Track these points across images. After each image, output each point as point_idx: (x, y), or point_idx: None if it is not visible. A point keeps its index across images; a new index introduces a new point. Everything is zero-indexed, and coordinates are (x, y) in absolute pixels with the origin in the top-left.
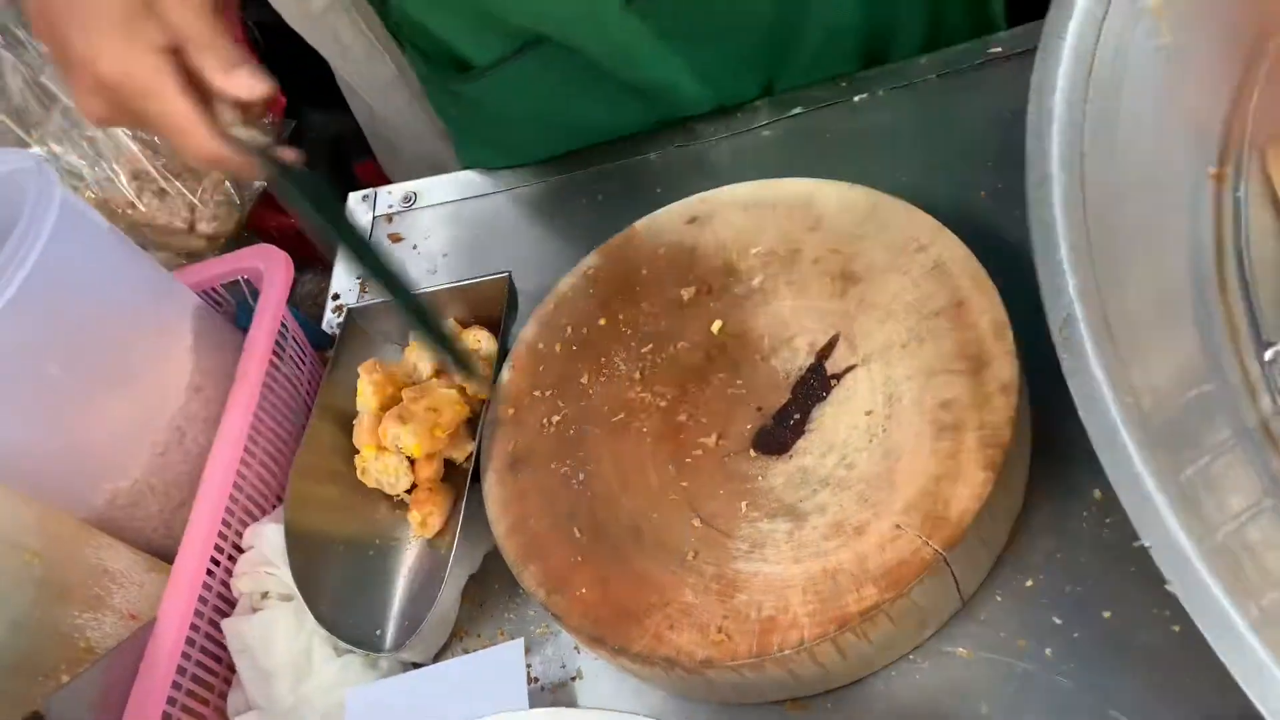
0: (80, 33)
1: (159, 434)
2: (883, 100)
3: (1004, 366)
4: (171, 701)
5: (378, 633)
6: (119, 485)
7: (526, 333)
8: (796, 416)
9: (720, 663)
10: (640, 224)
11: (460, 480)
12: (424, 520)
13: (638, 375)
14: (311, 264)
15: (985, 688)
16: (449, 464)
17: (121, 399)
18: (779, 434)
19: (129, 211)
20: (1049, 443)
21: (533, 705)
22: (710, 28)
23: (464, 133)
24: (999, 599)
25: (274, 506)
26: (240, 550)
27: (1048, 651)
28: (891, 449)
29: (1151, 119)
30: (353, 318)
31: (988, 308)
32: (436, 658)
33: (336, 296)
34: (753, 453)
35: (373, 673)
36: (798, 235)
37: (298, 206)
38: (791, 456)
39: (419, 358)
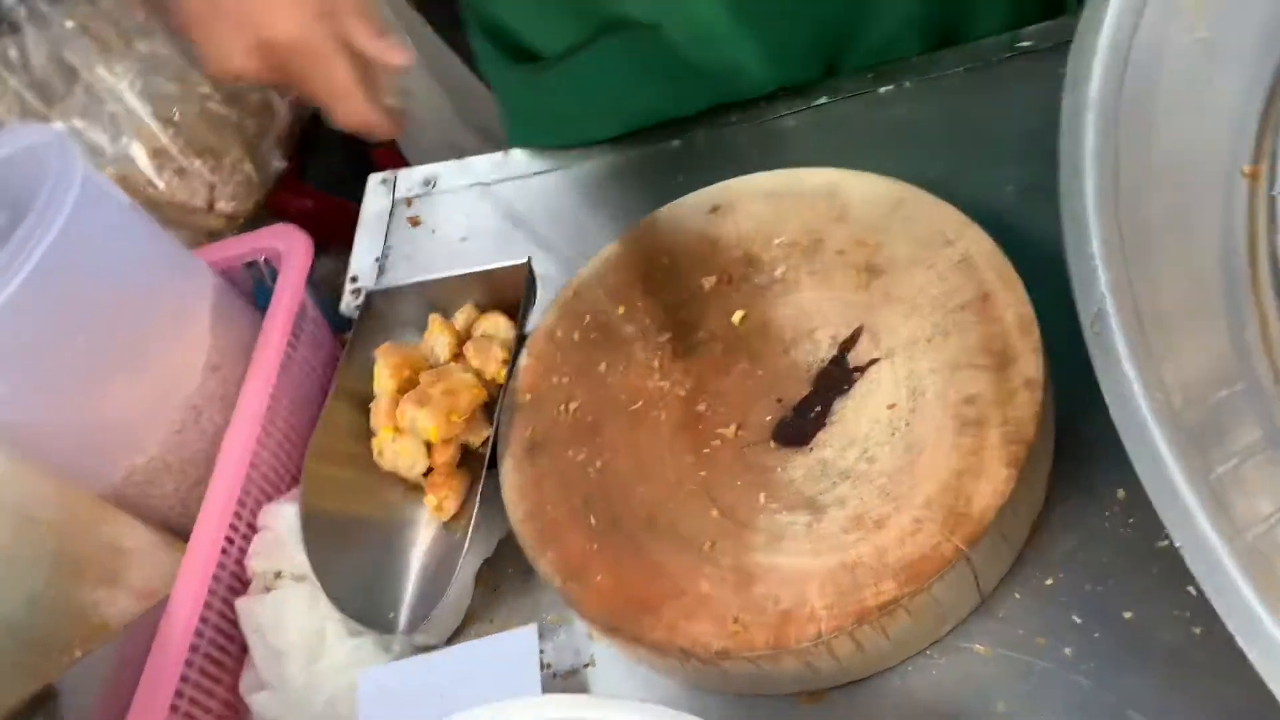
0: None
1: (176, 411)
2: (909, 93)
3: (1029, 362)
4: (184, 679)
5: (391, 615)
6: (135, 462)
7: (546, 319)
8: (817, 409)
9: (736, 654)
10: (661, 212)
11: (475, 466)
12: (440, 504)
13: (656, 364)
14: (328, 248)
15: (1003, 685)
16: (465, 449)
17: (139, 375)
18: (799, 426)
19: (148, 189)
20: (1072, 440)
21: (545, 692)
22: (785, 6)
23: (521, 115)
24: (1018, 596)
25: (289, 488)
26: (255, 530)
27: (1067, 650)
28: (913, 443)
29: (1186, 114)
30: (371, 300)
31: (1014, 302)
32: (449, 642)
33: (355, 279)
34: (772, 444)
35: (385, 655)
36: (821, 226)
37: None
38: (812, 449)
39: (437, 341)
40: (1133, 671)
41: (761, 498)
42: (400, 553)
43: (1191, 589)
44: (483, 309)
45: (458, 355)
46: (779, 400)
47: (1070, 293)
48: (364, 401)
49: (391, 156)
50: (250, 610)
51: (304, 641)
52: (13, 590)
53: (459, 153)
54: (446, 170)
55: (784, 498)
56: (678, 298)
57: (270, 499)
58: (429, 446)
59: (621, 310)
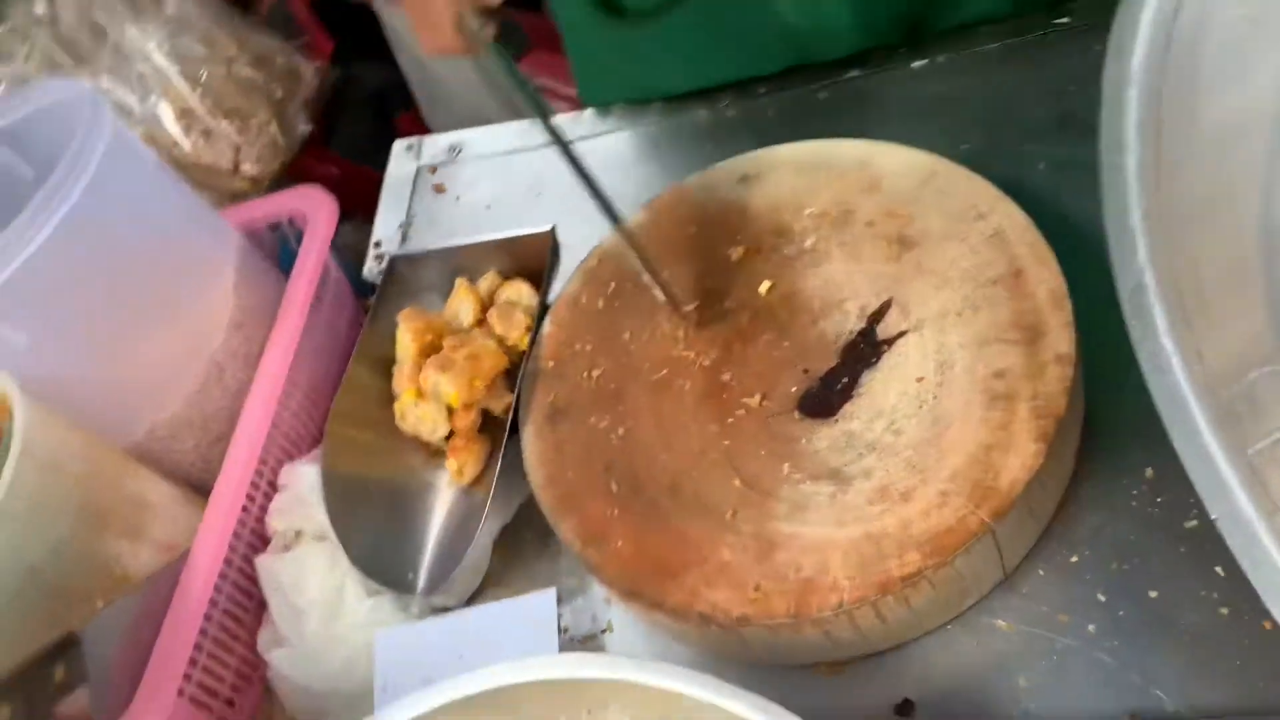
0: None
1: (199, 368)
2: (943, 67)
3: (1061, 337)
4: (203, 633)
5: (410, 576)
6: (158, 417)
7: (570, 287)
8: (844, 380)
9: (757, 621)
10: (691, 181)
11: (496, 432)
12: (460, 468)
13: (681, 333)
14: (353, 216)
15: (1024, 661)
16: (486, 415)
17: (164, 331)
18: (826, 397)
19: (174, 150)
20: (1102, 417)
21: None
22: None
23: (595, 70)
24: (1042, 573)
25: (310, 449)
26: (275, 489)
27: (1090, 628)
28: (941, 416)
29: (1230, 89)
30: (395, 265)
31: (1046, 278)
32: (467, 605)
33: (379, 244)
34: (797, 415)
35: (402, 615)
36: (852, 197)
37: (507, 78)
38: (837, 420)
39: (461, 306)
40: (1157, 651)
41: (785, 468)
42: (420, 515)
43: (1219, 569)
44: (506, 276)
45: (481, 321)
46: (805, 371)
47: (1100, 270)
48: (386, 365)
49: (416, 124)
50: (270, 568)
51: (323, 599)
52: (38, 539)
53: (483, 120)
54: (471, 137)
55: (808, 468)
56: (705, 267)
57: (291, 459)
58: (450, 411)
59: (647, 278)
